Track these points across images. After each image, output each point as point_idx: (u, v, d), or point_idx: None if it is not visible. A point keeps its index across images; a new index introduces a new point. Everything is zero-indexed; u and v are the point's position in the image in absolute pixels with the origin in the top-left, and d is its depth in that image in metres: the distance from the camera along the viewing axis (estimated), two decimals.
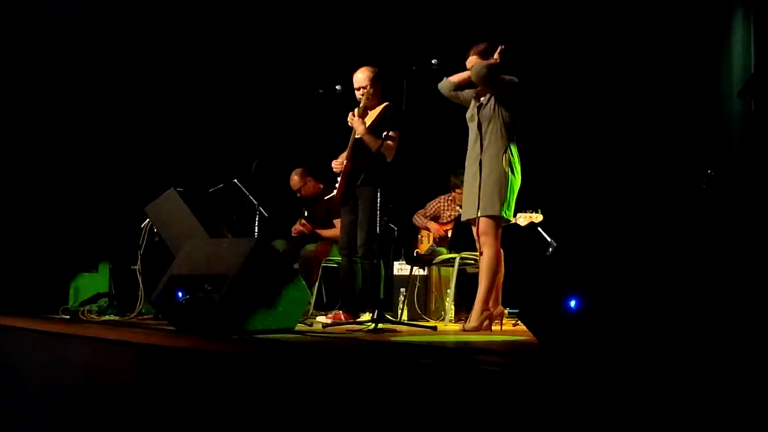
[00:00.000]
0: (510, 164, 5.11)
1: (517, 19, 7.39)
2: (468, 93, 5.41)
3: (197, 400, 3.36)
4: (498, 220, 5.14)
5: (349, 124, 5.73)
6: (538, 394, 2.26)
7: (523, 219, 6.30)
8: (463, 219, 5.43)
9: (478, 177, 5.17)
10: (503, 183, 5.08)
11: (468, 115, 5.34)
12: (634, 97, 6.81)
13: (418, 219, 7.34)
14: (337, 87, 5.85)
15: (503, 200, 5.08)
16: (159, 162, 8.17)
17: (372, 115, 5.75)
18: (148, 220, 6.02)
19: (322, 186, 7.24)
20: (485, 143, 5.18)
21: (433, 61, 5.20)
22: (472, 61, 5.30)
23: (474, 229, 5.27)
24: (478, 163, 5.18)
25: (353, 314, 5.72)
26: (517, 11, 7.47)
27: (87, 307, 6.01)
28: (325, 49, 8.38)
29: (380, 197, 5.52)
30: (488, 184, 5.10)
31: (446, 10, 7.71)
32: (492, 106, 5.18)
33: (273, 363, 3.20)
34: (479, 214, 5.12)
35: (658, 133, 6.59)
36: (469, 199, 5.23)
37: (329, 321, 5.60)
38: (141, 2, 8.33)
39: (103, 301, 6.19)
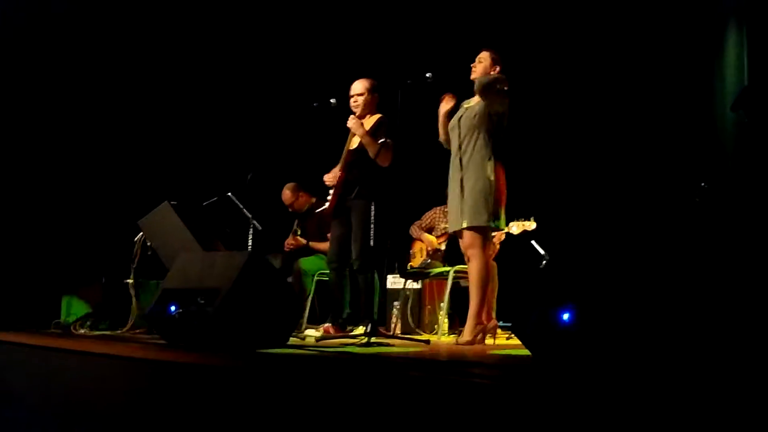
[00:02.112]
0: (495, 173, 5.07)
1: (514, 32, 7.41)
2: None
3: (190, 414, 3.34)
4: (484, 231, 5.11)
5: (349, 125, 5.74)
6: (531, 407, 2.25)
7: (516, 227, 6.29)
8: (449, 231, 5.43)
9: (460, 188, 5.15)
10: (489, 192, 5.04)
11: (450, 126, 5.34)
12: (628, 110, 6.83)
13: (414, 230, 7.35)
14: (332, 100, 5.87)
15: (490, 210, 5.04)
16: (153, 175, 8.16)
17: (366, 126, 5.77)
18: (141, 233, 6.00)
19: (314, 199, 7.23)
20: (468, 152, 5.15)
21: (427, 75, 5.21)
22: (485, 57, 5.31)
23: (461, 241, 5.25)
24: (459, 174, 5.17)
25: (342, 328, 5.71)
26: (514, 24, 7.49)
27: (79, 322, 5.99)
28: (320, 63, 8.39)
29: (374, 210, 5.53)
30: (473, 193, 5.06)
31: (441, 24, 7.74)
32: (477, 114, 5.16)
33: (266, 377, 3.18)
34: (464, 225, 5.09)
35: (652, 146, 6.60)
36: (454, 211, 5.21)
37: (319, 335, 5.59)
38: (135, 16, 8.33)
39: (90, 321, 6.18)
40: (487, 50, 5.33)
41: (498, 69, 5.29)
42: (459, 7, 7.71)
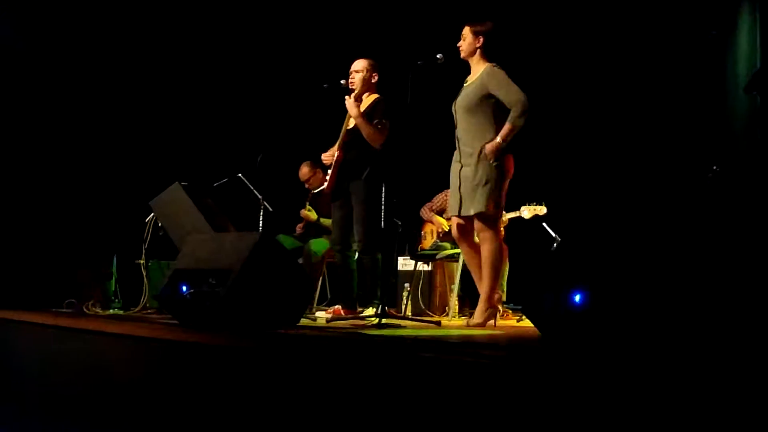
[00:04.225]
0: (501, 158, 4.99)
1: (524, 13, 7.37)
2: None
3: (201, 394, 3.36)
4: (492, 216, 5.05)
5: (346, 105, 5.73)
6: (542, 388, 2.25)
7: (527, 212, 6.30)
8: (449, 215, 5.40)
9: (458, 176, 5.12)
10: (491, 178, 4.98)
11: (452, 106, 5.27)
12: (639, 92, 6.79)
13: (425, 212, 7.35)
14: (342, 81, 5.88)
15: (495, 197, 4.98)
16: (164, 156, 8.18)
17: (363, 106, 5.77)
18: (152, 214, 6.02)
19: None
20: (465, 138, 5.09)
21: (438, 56, 5.19)
22: (466, 33, 5.22)
23: (454, 225, 5.21)
24: (459, 162, 5.13)
25: (352, 308, 5.73)
26: (524, 4, 7.45)
27: (91, 301, 6.02)
28: (330, 44, 8.37)
29: (384, 191, 5.55)
30: (476, 181, 5.00)
31: (452, 4, 7.69)
32: (472, 97, 5.07)
33: (277, 357, 3.19)
34: (473, 212, 5.02)
35: (664, 128, 6.57)
36: (453, 197, 5.16)
37: (330, 316, 5.61)
38: None
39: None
40: (467, 25, 5.19)
41: (482, 40, 5.16)
42: None
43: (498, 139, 4.94)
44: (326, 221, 7.05)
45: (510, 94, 4.97)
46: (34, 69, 7.88)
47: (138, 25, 8.34)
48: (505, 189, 5.06)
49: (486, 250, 5.06)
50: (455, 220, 5.21)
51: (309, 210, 7.13)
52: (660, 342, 2.86)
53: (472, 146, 5.04)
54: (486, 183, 4.97)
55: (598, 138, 7.05)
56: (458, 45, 5.23)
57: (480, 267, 5.14)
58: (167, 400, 3.51)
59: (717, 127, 6.38)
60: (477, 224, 5.07)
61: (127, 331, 4.08)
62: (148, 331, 4.08)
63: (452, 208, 5.22)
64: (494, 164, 4.96)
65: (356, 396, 2.73)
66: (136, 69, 8.35)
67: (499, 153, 4.95)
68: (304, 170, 7.35)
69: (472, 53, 5.19)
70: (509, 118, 4.95)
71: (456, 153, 5.18)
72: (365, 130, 5.62)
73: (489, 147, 4.94)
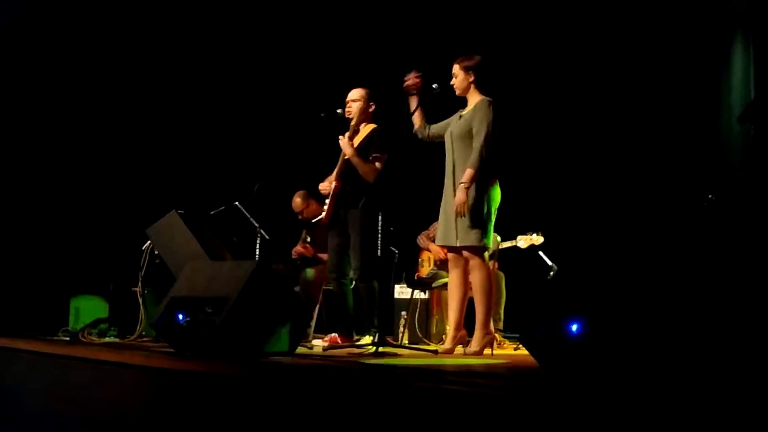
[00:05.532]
0: (485, 188, 5.03)
1: (519, 43, 7.42)
2: (439, 128, 5.39)
3: (197, 423, 3.35)
4: (479, 246, 5.06)
5: (340, 145, 5.76)
6: (540, 418, 2.25)
7: (523, 241, 6.29)
8: (437, 243, 5.43)
9: (448, 201, 5.14)
10: (479, 210, 5.00)
11: (446, 134, 5.29)
12: (635, 121, 6.83)
13: (422, 239, 7.36)
14: (339, 110, 5.89)
15: (481, 228, 5.00)
16: (160, 184, 8.18)
17: (360, 136, 5.79)
18: (149, 242, 6.02)
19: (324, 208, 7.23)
20: (458, 163, 5.12)
21: (434, 86, 5.22)
22: (456, 70, 5.25)
23: (442, 251, 5.23)
24: (451, 185, 5.15)
25: (349, 336, 5.72)
26: (517, 34, 7.50)
27: (87, 329, 6.00)
28: (327, 73, 8.41)
29: (373, 220, 5.55)
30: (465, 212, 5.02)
31: (447, 34, 7.75)
32: (467, 124, 5.10)
33: (274, 386, 3.19)
34: (457, 244, 5.06)
35: (659, 158, 6.60)
36: (443, 224, 5.20)
37: (326, 344, 5.59)
38: (145, 26, 8.38)
39: (104, 326, 6.18)
40: (455, 62, 5.24)
41: (474, 75, 5.20)
42: (468, 18, 7.71)
43: (462, 186, 4.98)
44: (323, 255, 7.03)
45: (479, 134, 5.02)
46: (33, 97, 7.91)
47: (134, 51, 8.38)
48: (491, 215, 5.07)
49: (475, 278, 5.09)
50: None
51: (305, 247, 7.12)
52: (659, 371, 2.86)
53: (461, 176, 5.06)
54: (471, 213, 4.99)
55: (594, 166, 7.08)
56: (451, 83, 5.26)
57: (460, 298, 5.21)
58: (163, 428, 3.50)
59: (712, 156, 6.41)
60: (465, 253, 5.09)
61: (123, 360, 4.07)
62: (144, 359, 4.07)
63: (438, 237, 5.26)
64: (476, 194, 4.98)
65: (352, 425, 2.72)
66: (134, 96, 8.38)
67: (468, 194, 4.97)
68: (297, 201, 7.30)
69: (467, 89, 5.23)
70: (468, 162, 5.00)
71: (449, 183, 5.20)
72: (360, 168, 5.64)
73: (460, 189, 4.99)
